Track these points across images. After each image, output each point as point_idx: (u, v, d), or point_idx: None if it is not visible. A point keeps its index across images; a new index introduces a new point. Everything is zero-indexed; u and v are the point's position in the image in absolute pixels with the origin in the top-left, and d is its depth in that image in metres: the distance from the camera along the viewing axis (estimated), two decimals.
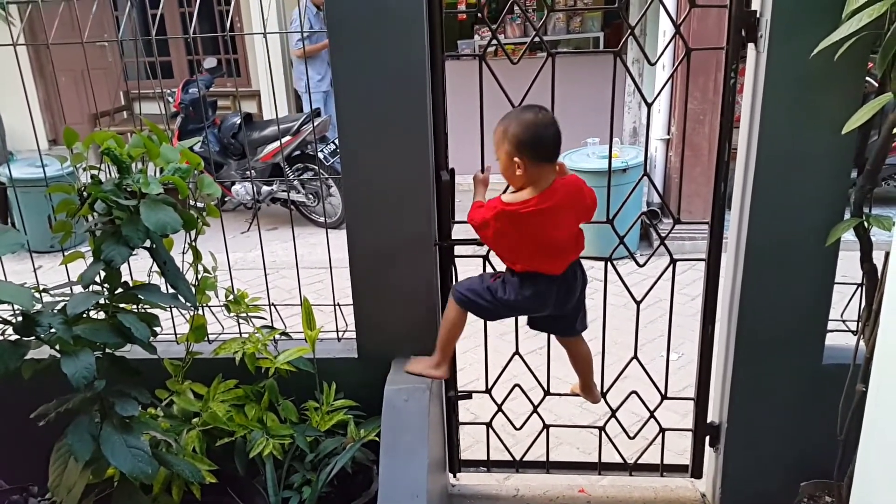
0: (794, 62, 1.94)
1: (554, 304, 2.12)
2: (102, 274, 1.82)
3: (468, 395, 2.62)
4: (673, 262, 2.38)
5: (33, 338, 1.74)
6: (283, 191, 6.08)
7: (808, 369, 2.26)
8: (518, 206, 1.95)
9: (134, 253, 1.78)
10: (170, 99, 6.09)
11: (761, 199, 2.09)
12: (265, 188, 6.05)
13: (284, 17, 6.31)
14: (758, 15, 2.01)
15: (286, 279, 4.62)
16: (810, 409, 2.29)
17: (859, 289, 2.17)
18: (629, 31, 2.10)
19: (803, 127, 2.01)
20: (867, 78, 2.00)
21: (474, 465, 2.75)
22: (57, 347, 1.75)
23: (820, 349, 2.25)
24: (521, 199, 1.96)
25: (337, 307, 2.53)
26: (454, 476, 2.74)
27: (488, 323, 2.41)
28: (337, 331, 2.54)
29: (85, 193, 1.84)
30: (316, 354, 2.37)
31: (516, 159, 1.91)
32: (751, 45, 2.07)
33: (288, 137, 5.84)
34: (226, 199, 6.08)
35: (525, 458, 2.68)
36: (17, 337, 1.75)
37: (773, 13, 1.92)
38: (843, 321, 2.34)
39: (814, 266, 2.15)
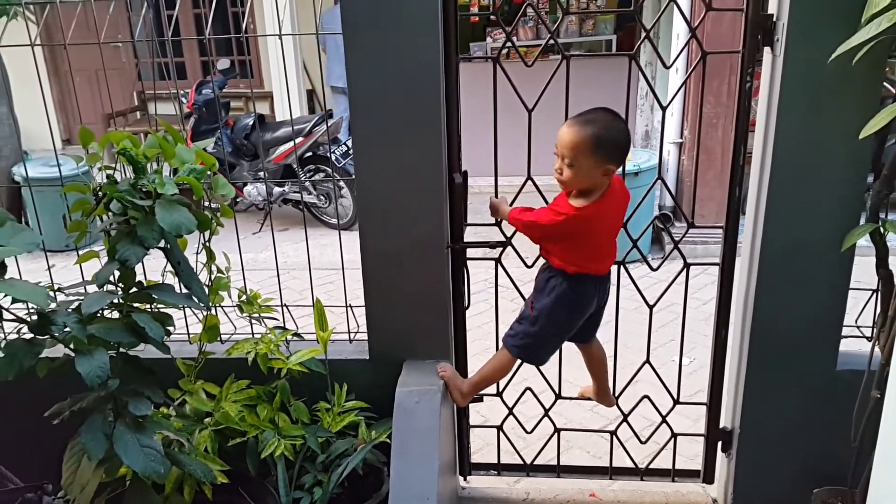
0: (810, 66, 1.93)
1: (595, 306, 2.17)
2: (117, 273, 1.83)
3: (479, 398, 2.61)
4: (686, 266, 2.37)
5: (48, 337, 1.76)
6: (295, 192, 6.10)
7: (822, 375, 2.25)
8: (591, 209, 1.97)
9: (148, 253, 1.79)
10: (183, 100, 6.12)
11: (776, 203, 2.08)
12: (277, 189, 6.07)
13: (297, 18, 6.33)
14: (774, 18, 2.00)
15: (297, 280, 4.64)
16: (824, 415, 2.27)
17: (874, 294, 2.15)
18: (645, 34, 2.09)
19: (819, 131, 2.00)
20: (884, 82, 1.99)
21: (484, 468, 2.75)
22: (71, 346, 1.76)
23: (834, 355, 2.24)
24: (591, 202, 1.98)
25: (349, 308, 2.53)
26: (464, 479, 2.73)
27: (499, 324, 2.41)
28: (349, 332, 2.55)
29: (100, 193, 1.85)
30: (327, 355, 2.38)
31: (609, 166, 1.94)
32: (767, 49, 2.06)
33: (300, 139, 5.86)
34: (238, 200, 6.11)
35: (535, 462, 2.67)
36: (32, 335, 1.76)
37: (790, 17, 1.91)
38: (858, 327, 2.33)
39: (829, 271, 2.13)
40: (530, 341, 2.18)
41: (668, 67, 2.23)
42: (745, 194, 2.25)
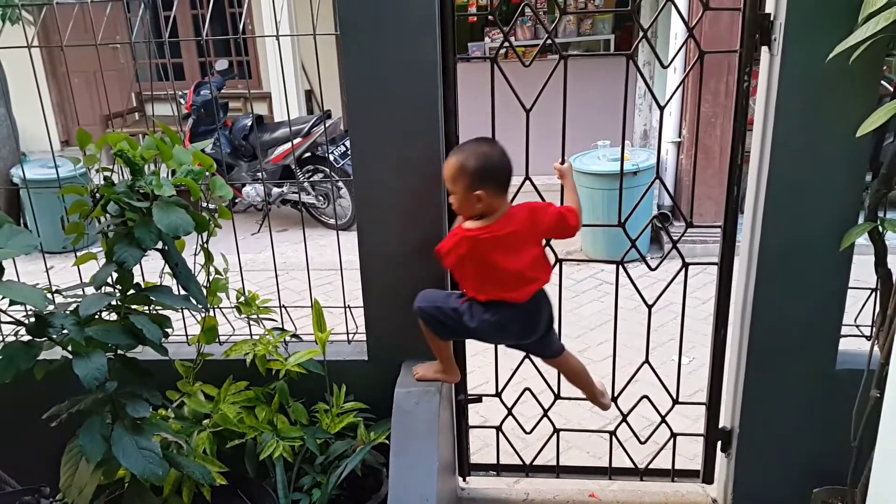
0: (808, 65, 1.93)
1: (516, 334, 2.17)
2: (115, 275, 1.83)
3: (478, 399, 2.61)
4: (685, 265, 2.37)
5: (46, 339, 1.75)
6: (294, 192, 6.09)
7: (822, 374, 2.25)
8: (478, 231, 1.98)
9: (145, 254, 1.79)
10: (181, 101, 6.12)
11: (775, 202, 2.08)
12: (275, 190, 6.07)
13: (296, 18, 6.33)
14: (772, 18, 2.00)
15: (296, 280, 4.64)
16: (823, 415, 2.27)
17: (873, 293, 2.15)
18: (642, 33, 2.08)
19: (817, 130, 2.00)
20: (882, 81, 1.99)
21: (484, 468, 2.74)
22: (69, 349, 1.75)
23: (833, 354, 2.24)
24: (480, 226, 1.99)
25: (347, 309, 2.53)
26: (464, 480, 2.73)
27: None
28: (347, 333, 2.54)
29: (98, 195, 1.85)
30: (326, 356, 2.37)
31: (478, 192, 1.94)
32: (764, 48, 2.06)
33: (299, 139, 5.86)
34: (236, 201, 6.11)
35: (535, 463, 2.67)
36: (30, 338, 1.76)
37: (788, 16, 1.91)
38: (857, 326, 2.33)
39: (827, 270, 2.13)
40: (437, 322, 2.16)
41: (665, 67, 2.23)
42: (744, 193, 2.25)
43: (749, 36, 2.04)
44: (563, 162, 2.20)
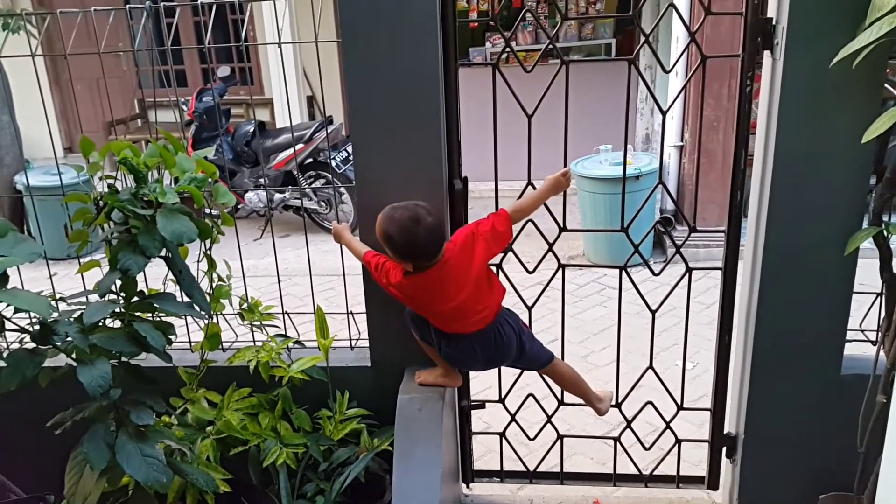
0: (810, 69, 1.93)
1: (483, 362, 2.19)
2: (118, 282, 1.83)
3: (481, 405, 2.60)
4: (689, 270, 2.36)
5: (50, 346, 1.75)
6: (296, 198, 6.10)
7: (827, 380, 2.24)
8: (406, 281, 2.00)
9: (149, 262, 1.79)
10: (184, 107, 6.13)
11: (778, 206, 2.07)
12: (277, 195, 6.07)
13: (297, 25, 6.34)
14: (774, 22, 2.00)
15: (298, 286, 4.63)
16: (829, 421, 2.26)
17: (878, 298, 2.14)
18: (644, 38, 2.08)
19: (821, 134, 1.99)
20: (885, 84, 1.98)
21: (487, 475, 2.74)
22: (73, 356, 1.75)
23: (838, 359, 2.23)
24: (415, 274, 1.99)
25: (350, 315, 2.53)
26: (467, 486, 2.72)
27: None
28: (350, 339, 2.54)
29: (101, 203, 1.85)
30: (329, 363, 2.37)
31: (397, 260, 1.98)
32: (767, 53, 2.05)
33: (301, 145, 5.86)
34: (238, 207, 6.11)
35: (539, 469, 2.66)
36: (34, 345, 1.76)
37: (790, 20, 1.91)
38: (862, 331, 2.32)
39: (832, 275, 2.12)
40: (416, 329, 2.21)
41: (667, 72, 2.23)
42: (747, 197, 2.24)
43: (751, 40, 2.04)
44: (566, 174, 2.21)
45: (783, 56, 1.94)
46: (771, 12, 2.01)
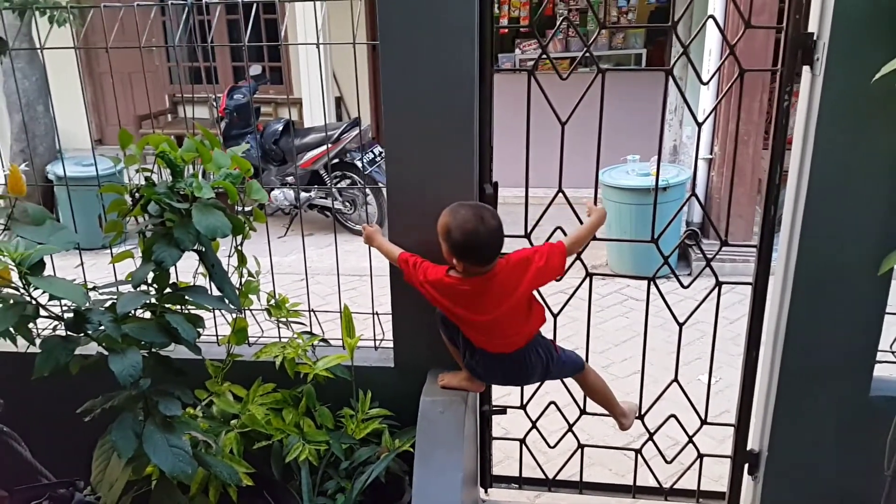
0: (851, 85, 1.91)
1: (503, 381, 2.25)
2: (151, 274, 1.85)
3: (503, 411, 2.60)
4: (718, 284, 2.34)
5: (82, 334, 1.78)
6: (322, 197, 6.14)
7: (855, 400, 2.21)
8: (456, 281, 2.00)
9: (182, 255, 1.81)
10: (215, 104, 6.21)
11: (812, 223, 2.05)
12: (303, 194, 6.12)
13: (329, 26, 6.39)
14: (815, 38, 1.98)
15: (320, 285, 4.67)
16: (855, 442, 2.23)
17: None
18: (682, 49, 2.08)
19: (858, 151, 1.97)
20: None
21: (506, 481, 2.73)
22: (104, 345, 1.78)
23: (868, 380, 2.20)
24: (460, 277, 2.00)
25: (375, 316, 2.54)
26: (485, 491, 2.72)
27: None
28: (374, 339, 2.55)
29: (137, 194, 1.88)
30: (353, 362, 2.38)
31: (454, 259, 1.97)
32: (806, 68, 2.04)
33: (328, 145, 5.90)
34: (264, 205, 6.16)
35: (557, 477, 2.65)
36: (67, 333, 1.78)
37: (832, 36, 1.89)
38: (893, 352, 2.29)
39: (864, 294, 2.10)
40: (445, 329, 2.21)
41: (705, 84, 2.22)
42: (780, 213, 2.23)
43: (791, 55, 2.02)
44: (595, 203, 2.22)
45: (823, 72, 1.92)
46: (812, 27, 1.99)
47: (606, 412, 2.45)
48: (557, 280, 2.11)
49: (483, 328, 2.05)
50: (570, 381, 2.52)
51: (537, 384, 2.52)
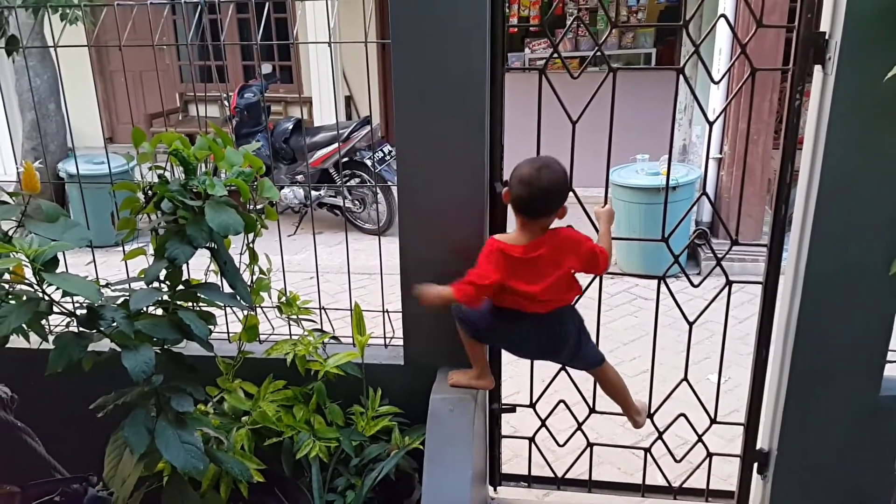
0: (863, 85, 1.90)
1: (535, 348, 2.19)
2: (164, 271, 1.87)
3: (512, 409, 2.61)
4: (729, 283, 2.34)
5: (95, 331, 1.79)
6: (331, 196, 6.16)
7: (865, 400, 2.20)
8: (508, 246, 2.01)
9: (195, 252, 1.82)
10: (226, 103, 6.24)
11: (823, 223, 2.05)
12: (313, 193, 6.14)
13: (339, 25, 6.41)
14: (827, 37, 1.98)
15: (330, 283, 4.69)
16: (865, 442, 2.23)
17: None
18: (694, 48, 2.07)
19: (870, 151, 1.97)
20: None
21: (514, 479, 2.74)
22: (117, 341, 1.79)
23: (878, 380, 2.19)
24: (510, 242, 2.02)
25: (385, 314, 2.55)
26: (494, 490, 2.73)
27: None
28: (384, 337, 2.56)
29: (150, 192, 1.89)
30: (363, 360, 2.39)
31: (518, 214, 2.01)
32: (817, 67, 2.03)
33: (338, 144, 5.92)
34: (275, 203, 6.18)
35: (566, 476, 2.65)
36: (80, 329, 1.80)
37: (844, 35, 1.88)
38: None
39: (875, 294, 2.09)
40: (468, 320, 2.19)
41: (716, 83, 2.21)
42: (790, 213, 2.22)
43: (802, 54, 2.02)
44: (605, 204, 2.22)
45: (835, 71, 1.92)
46: (824, 26, 1.99)
47: (618, 411, 2.45)
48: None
49: (525, 297, 2.05)
50: (579, 379, 2.53)
51: (547, 384, 2.53)
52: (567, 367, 2.47)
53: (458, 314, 2.18)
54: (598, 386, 2.51)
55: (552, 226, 2.06)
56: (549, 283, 2.04)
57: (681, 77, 2.15)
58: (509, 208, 2.30)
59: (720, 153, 5.17)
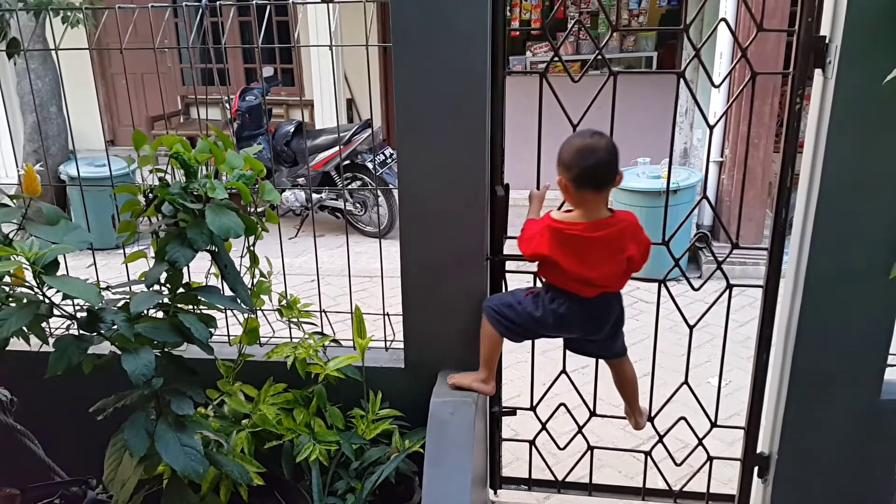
0: (863, 89, 1.90)
1: (582, 328, 2.14)
2: (164, 274, 1.87)
3: (513, 412, 2.60)
4: (729, 287, 2.34)
5: (95, 333, 1.79)
6: (332, 199, 6.17)
7: (866, 404, 2.20)
8: (564, 225, 1.98)
9: (196, 255, 1.82)
10: (227, 105, 6.25)
11: (823, 226, 2.05)
12: (314, 196, 6.15)
13: (341, 28, 6.42)
14: (827, 41, 1.98)
15: (331, 286, 4.69)
16: (866, 445, 2.23)
17: None
18: (695, 52, 2.08)
19: (870, 154, 1.97)
20: None
21: (515, 482, 2.73)
22: (117, 344, 1.79)
23: (879, 383, 2.19)
24: (568, 220, 1.99)
25: (386, 317, 2.55)
26: (494, 493, 2.72)
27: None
28: (385, 340, 2.56)
29: (151, 195, 1.89)
30: (364, 363, 2.39)
31: (562, 180, 1.96)
32: (818, 71, 2.04)
33: (340, 147, 5.93)
34: (276, 206, 6.19)
35: (567, 479, 2.65)
36: (80, 332, 1.80)
37: (844, 39, 1.89)
38: None
39: (875, 298, 2.09)
40: (504, 318, 2.17)
41: (717, 87, 2.21)
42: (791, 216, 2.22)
43: (803, 58, 2.02)
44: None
45: (835, 75, 1.92)
46: (824, 30, 1.99)
47: (619, 414, 2.45)
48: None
49: (577, 280, 2.03)
50: (580, 382, 2.54)
51: (547, 387, 2.53)
52: (567, 371, 2.48)
53: (494, 313, 2.17)
54: (597, 389, 2.52)
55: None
56: (609, 268, 2.02)
57: (681, 81, 2.15)
58: (510, 211, 2.32)
59: (721, 157, 5.17)
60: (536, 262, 2.15)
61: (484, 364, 2.28)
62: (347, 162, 6.05)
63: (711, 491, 2.57)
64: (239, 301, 1.92)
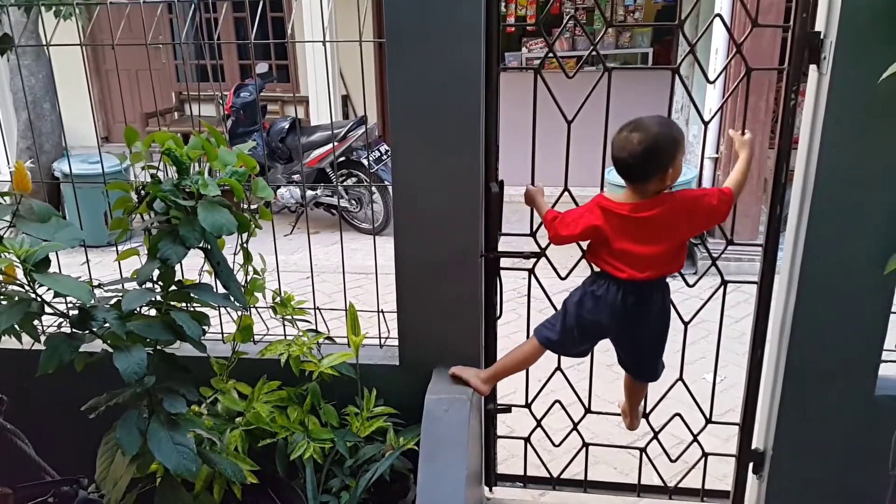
0: (858, 85, 1.90)
1: (617, 317, 2.05)
2: (156, 271, 1.85)
3: (507, 409, 2.60)
4: (724, 283, 2.34)
5: (87, 331, 1.78)
6: (327, 195, 6.15)
7: (860, 399, 2.20)
8: (613, 204, 1.97)
9: (188, 252, 1.81)
10: (221, 102, 6.22)
11: (818, 223, 2.05)
12: (309, 192, 6.13)
13: (336, 24, 6.40)
14: (822, 36, 1.97)
15: (326, 283, 4.66)
16: (861, 441, 2.23)
17: None
18: (689, 48, 2.07)
19: (865, 151, 1.97)
20: None
21: (510, 479, 2.73)
22: (109, 342, 1.78)
23: (873, 379, 2.19)
24: (618, 200, 1.98)
25: (381, 314, 2.54)
26: (489, 490, 2.72)
27: (529, 334, 2.39)
28: (380, 337, 2.55)
29: (143, 192, 1.88)
30: (358, 360, 2.38)
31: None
32: (813, 67, 2.03)
33: (335, 143, 5.91)
34: (270, 202, 6.17)
35: (562, 476, 2.65)
36: (72, 330, 1.79)
37: (839, 35, 1.88)
38: None
39: (870, 294, 2.09)
40: (551, 332, 2.16)
41: (712, 83, 2.21)
42: (786, 212, 2.22)
43: (797, 54, 2.01)
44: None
45: (830, 71, 1.91)
46: (819, 26, 1.98)
47: (614, 411, 2.45)
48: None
49: (630, 259, 1.98)
50: (574, 379, 2.53)
51: (543, 383, 2.52)
52: (562, 369, 2.47)
53: (552, 343, 2.18)
54: (592, 386, 2.52)
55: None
56: (663, 247, 1.97)
57: (677, 77, 2.14)
58: (505, 207, 2.31)
59: (716, 153, 5.15)
60: (587, 243, 2.10)
61: (495, 370, 2.29)
62: (342, 159, 6.04)
63: (706, 487, 2.57)
64: (232, 298, 1.91)
